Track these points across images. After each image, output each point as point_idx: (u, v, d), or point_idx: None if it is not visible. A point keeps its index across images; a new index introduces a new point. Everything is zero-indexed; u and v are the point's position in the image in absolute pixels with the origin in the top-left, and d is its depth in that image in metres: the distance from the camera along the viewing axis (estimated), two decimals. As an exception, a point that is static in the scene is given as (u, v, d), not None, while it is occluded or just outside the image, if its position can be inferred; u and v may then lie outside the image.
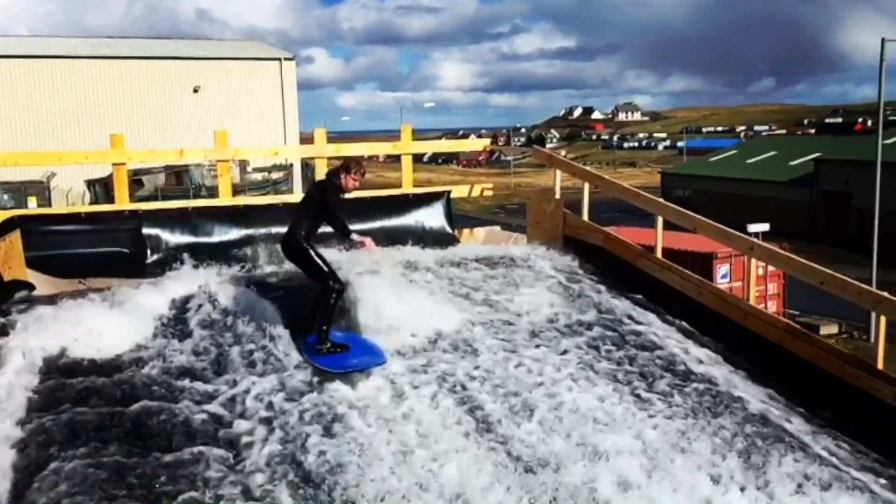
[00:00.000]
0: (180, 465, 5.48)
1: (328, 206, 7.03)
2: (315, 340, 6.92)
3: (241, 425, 5.99)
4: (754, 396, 7.23)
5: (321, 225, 7.19)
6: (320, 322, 6.90)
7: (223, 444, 5.77)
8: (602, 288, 9.16)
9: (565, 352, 7.57)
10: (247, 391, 6.40)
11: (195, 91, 40.95)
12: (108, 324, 7.16)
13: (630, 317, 8.50)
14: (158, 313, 7.65)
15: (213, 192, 23.75)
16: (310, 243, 7.00)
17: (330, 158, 11.68)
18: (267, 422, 6.06)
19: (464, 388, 6.74)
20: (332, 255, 7.51)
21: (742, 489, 5.83)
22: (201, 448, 5.67)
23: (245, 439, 5.84)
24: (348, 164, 7.14)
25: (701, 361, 7.75)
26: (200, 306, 7.81)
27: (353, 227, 7.40)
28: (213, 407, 6.19)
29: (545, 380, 6.98)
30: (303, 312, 7.15)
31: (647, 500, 5.58)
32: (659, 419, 6.56)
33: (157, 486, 5.26)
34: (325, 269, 6.98)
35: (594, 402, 6.68)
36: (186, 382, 6.49)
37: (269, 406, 6.25)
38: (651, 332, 8.19)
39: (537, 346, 7.60)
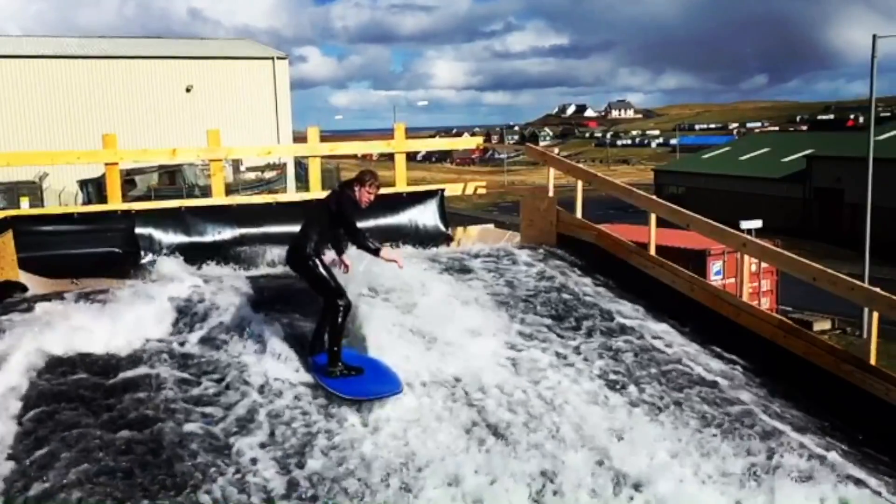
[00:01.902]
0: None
1: (344, 220, 6.64)
2: (325, 361, 6.59)
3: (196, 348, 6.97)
4: (673, 342, 8.06)
5: (331, 238, 6.91)
6: (330, 342, 6.56)
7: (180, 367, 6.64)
8: (572, 272, 9.55)
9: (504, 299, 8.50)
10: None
11: (188, 90, 40.78)
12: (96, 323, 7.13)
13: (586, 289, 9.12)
14: (151, 312, 7.59)
15: (206, 191, 23.69)
16: (318, 256, 6.67)
17: (323, 157, 11.66)
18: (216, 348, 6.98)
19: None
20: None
21: (612, 388, 7.05)
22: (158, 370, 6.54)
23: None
24: (363, 177, 6.77)
25: (628, 316, 8.47)
26: (195, 308, 7.75)
27: None
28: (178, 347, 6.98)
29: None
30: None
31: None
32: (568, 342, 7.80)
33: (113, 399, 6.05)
34: (332, 284, 6.64)
35: (514, 324, 7.96)
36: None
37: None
38: (596, 297, 8.89)
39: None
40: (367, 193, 6.77)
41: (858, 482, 6.02)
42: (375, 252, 6.64)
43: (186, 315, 7.55)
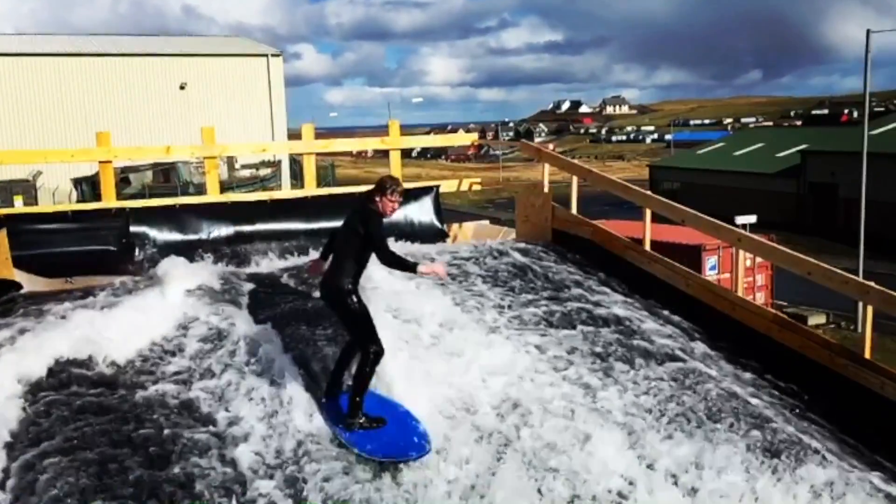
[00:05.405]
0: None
1: (374, 240, 6.01)
2: (345, 409, 6.04)
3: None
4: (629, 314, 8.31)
5: (367, 264, 6.23)
6: (353, 391, 6.00)
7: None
8: (553, 262, 9.64)
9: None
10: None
11: (182, 88, 40.63)
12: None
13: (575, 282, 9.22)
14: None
15: (200, 189, 23.64)
16: (356, 291, 6.11)
17: (318, 154, 11.63)
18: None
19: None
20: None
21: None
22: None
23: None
24: (384, 185, 6.12)
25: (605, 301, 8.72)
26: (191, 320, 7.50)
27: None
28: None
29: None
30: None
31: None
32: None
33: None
34: (368, 326, 6.05)
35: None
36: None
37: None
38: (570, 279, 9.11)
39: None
40: (389, 202, 6.12)
41: (860, 478, 6.04)
42: (412, 268, 6.05)
43: (181, 329, 7.27)
